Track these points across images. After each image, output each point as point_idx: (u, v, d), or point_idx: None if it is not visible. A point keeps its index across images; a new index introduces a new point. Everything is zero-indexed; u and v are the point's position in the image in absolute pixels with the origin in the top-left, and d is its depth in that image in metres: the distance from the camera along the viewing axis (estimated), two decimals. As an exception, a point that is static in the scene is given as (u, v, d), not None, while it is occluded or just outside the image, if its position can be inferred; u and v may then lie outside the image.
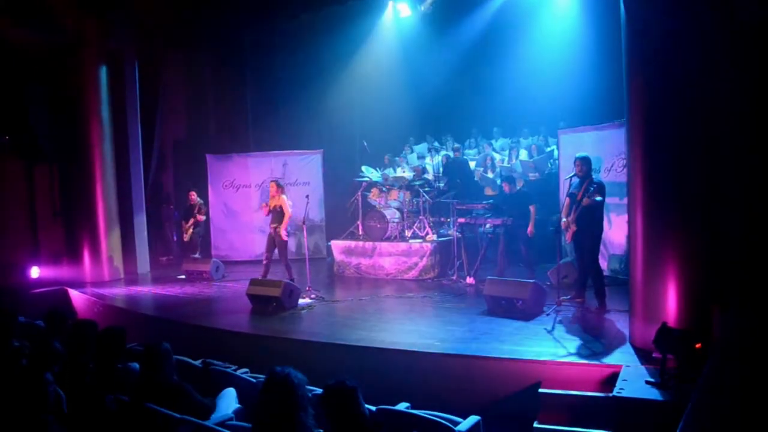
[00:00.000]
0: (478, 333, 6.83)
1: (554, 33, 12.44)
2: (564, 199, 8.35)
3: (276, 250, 9.76)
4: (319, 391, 4.33)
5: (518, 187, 9.88)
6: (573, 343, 6.21)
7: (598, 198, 7.40)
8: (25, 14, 10.49)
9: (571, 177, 8.11)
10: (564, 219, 7.86)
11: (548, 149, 12.38)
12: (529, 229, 9.09)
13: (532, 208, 9.16)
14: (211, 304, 9.32)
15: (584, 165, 7.71)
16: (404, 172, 12.57)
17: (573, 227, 7.67)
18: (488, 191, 11.98)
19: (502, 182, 9.78)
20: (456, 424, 4.02)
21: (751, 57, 5.25)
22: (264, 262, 9.87)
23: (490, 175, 12.19)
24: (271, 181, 10.08)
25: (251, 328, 7.82)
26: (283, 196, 9.71)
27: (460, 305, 8.32)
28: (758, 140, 5.24)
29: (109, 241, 11.60)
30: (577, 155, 7.85)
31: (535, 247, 9.50)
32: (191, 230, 11.54)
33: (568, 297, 7.95)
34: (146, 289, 10.69)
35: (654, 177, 5.70)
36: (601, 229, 7.75)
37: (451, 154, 12.75)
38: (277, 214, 9.62)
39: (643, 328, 5.73)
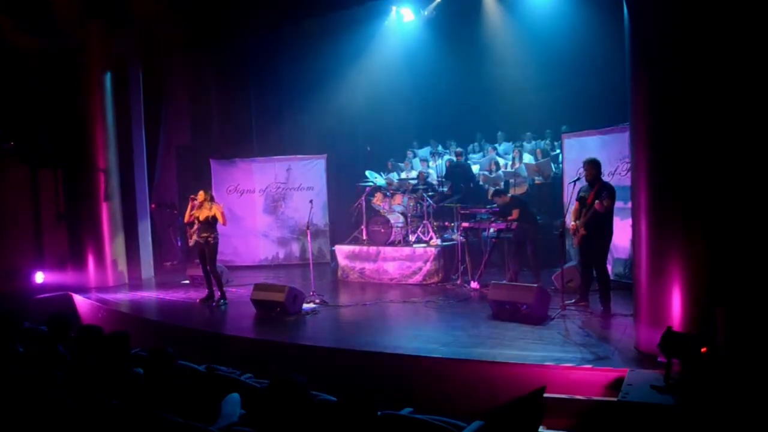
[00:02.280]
0: (482, 338, 6.82)
1: (557, 36, 12.44)
2: (568, 202, 8.37)
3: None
4: (323, 396, 4.33)
5: (510, 194, 9.99)
6: (578, 348, 6.20)
7: (606, 203, 7.36)
8: (30, 19, 10.53)
9: (575, 181, 8.09)
10: (573, 222, 7.83)
11: (553, 153, 12.38)
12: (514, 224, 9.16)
13: (515, 212, 9.23)
14: (215, 309, 9.32)
15: (592, 168, 7.68)
16: (407, 176, 12.58)
17: (582, 231, 7.65)
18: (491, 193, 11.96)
19: (493, 197, 9.87)
20: (460, 429, 4.01)
21: (756, 59, 5.23)
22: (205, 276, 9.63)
23: (493, 175, 12.20)
24: (201, 189, 9.52)
25: (255, 333, 7.82)
26: (216, 206, 9.30)
27: (465, 310, 8.30)
28: (763, 143, 5.22)
29: (113, 246, 11.62)
30: (587, 159, 7.83)
31: (541, 250, 9.51)
32: (195, 236, 11.49)
33: (572, 301, 7.92)
34: (150, 294, 10.69)
35: (658, 181, 5.69)
36: (611, 234, 7.71)
37: (454, 158, 12.76)
38: (209, 224, 9.24)
39: (648, 333, 5.71)
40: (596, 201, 7.36)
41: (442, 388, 5.93)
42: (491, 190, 12.00)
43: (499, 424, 3.52)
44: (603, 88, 10.84)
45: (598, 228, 7.53)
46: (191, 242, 10.21)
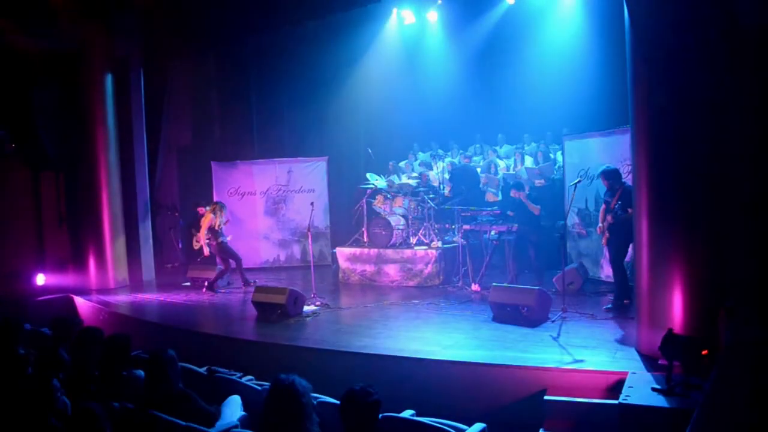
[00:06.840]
0: (483, 340, 6.82)
1: (558, 39, 12.44)
2: (569, 205, 8.48)
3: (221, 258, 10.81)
4: (324, 398, 4.33)
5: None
6: (578, 350, 6.19)
7: (621, 212, 7.63)
8: (30, 21, 10.53)
9: (576, 183, 8.17)
10: (600, 224, 8.17)
11: (552, 156, 12.36)
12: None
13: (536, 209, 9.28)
14: (216, 312, 9.33)
15: (607, 179, 7.94)
16: (408, 179, 12.57)
17: (606, 234, 8.00)
18: (489, 197, 11.95)
19: (511, 189, 9.82)
20: (461, 431, 4.01)
21: (754, 62, 5.24)
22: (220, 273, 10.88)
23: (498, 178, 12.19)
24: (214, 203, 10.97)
25: (256, 336, 7.82)
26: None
27: (465, 312, 8.30)
28: (763, 145, 5.22)
29: (115, 248, 11.61)
30: (600, 170, 8.13)
31: (543, 253, 9.51)
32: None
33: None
34: (151, 296, 10.69)
35: (659, 183, 5.69)
36: (631, 236, 7.73)
37: (458, 160, 12.75)
38: (212, 231, 10.60)
39: (649, 335, 5.71)
40: (609, 215, 7.86)
41: (443, 391, 5.93)
42: (489, 192, 12.02)
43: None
44: (604, 90, 10.84)
45: (619, 230, 7.77)
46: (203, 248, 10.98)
